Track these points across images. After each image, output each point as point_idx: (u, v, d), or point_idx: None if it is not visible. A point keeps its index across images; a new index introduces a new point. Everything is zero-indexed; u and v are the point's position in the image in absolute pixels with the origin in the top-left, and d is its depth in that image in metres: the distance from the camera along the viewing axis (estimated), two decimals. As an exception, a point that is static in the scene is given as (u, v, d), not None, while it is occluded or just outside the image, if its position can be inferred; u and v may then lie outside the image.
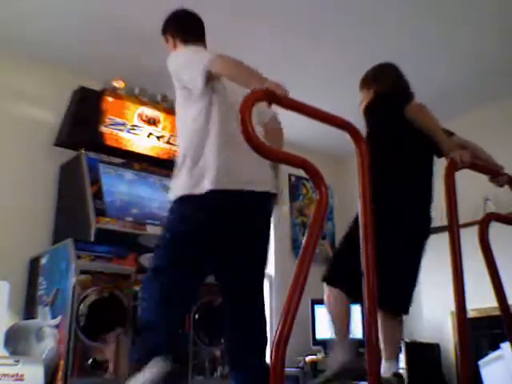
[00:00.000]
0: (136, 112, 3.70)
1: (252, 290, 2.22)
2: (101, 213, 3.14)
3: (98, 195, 3.24)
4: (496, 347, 3.08)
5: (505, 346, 2.92)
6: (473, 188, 3.16)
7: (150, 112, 3.76)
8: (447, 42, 3.61)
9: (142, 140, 3.72)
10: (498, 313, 2.22)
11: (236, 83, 1.96)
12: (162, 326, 2.02)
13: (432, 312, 4.29)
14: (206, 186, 2.02)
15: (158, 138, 3.79)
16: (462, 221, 2.07)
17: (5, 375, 2.28)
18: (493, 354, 3.12)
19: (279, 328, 1.41)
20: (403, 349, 3.85)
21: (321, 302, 4.43)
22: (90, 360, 2.82)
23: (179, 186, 2.11)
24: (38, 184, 3.60)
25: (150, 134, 3.75)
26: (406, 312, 2.56)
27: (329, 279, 2.47)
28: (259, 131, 2.10)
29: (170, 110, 3.85)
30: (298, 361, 4.04)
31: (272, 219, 2.31)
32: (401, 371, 3.20)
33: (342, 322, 2.42)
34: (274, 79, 1.74)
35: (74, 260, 2.91)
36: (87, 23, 3.42)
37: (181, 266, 2.05)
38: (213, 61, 1.99)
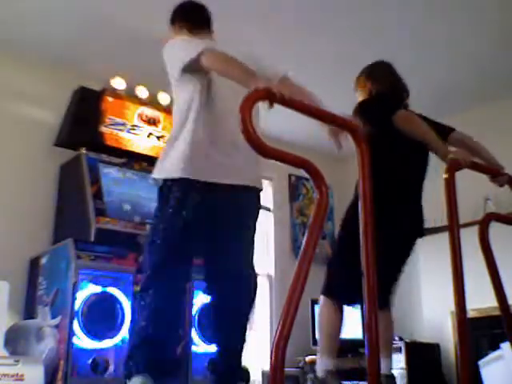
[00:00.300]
0: (136, 112, 3.70)
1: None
2: (101, 213, 3.14)
3: (98, 195, 3.24)
4: (496, 347, 3.08)
5: (505, 346, 2.91)
6: (473, 188, 3.16)
7: (150, 112, 3.76)
8: (447, 42, 3.61)
9: (141, 140, 3.72)
10: (498, 313, 2.22)
11: (227, 78, 1.94)
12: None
13: (432, 312, 4.29)
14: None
15: (158, 138, 3.79)
16: (462, 221, 2.06)
17: (5, 375, 2.27)
18: (493, 354, 3.11)
19: (279, 328, 1.41)
20: (403, 349, 3.86)
21: (321, 302, 4.42)
22: (90, 360, 2.82)
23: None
24: (38, 184, 3.60)
25: (150, 134, 3.75)
26: (389, 308, 2.55)
27: (324, 291, 2.46)
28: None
29: (170, 110, 3.84)
30: (298, 361, 4.04)
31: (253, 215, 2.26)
32: (400, 371, 3.22)
33: (334, 332, 2.41)
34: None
35: (74, 260, 2.91)
36: (87, 23, 3.42)
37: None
38: (202, 54, 1.98)
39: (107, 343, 2.91)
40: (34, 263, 3.34)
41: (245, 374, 2.18)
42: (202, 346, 3.23)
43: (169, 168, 2.06)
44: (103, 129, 3.54)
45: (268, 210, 4.94)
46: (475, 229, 2.28)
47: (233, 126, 1.75)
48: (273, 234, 4.95)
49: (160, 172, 2.10)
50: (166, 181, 2.07)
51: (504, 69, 3.91)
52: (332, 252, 2.70)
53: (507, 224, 2.44)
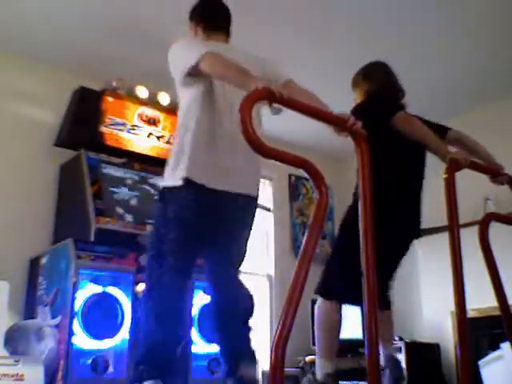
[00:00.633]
0: (136, 112, 3.70)
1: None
2: (101, 213, 3.14)
3: (98, 195, 3.24)
4: (496, 347, 3.08)
5: (505, 346, 2.91)
6: (473, 188, 3.16)
7: (150, 112, 3.76)
8: (447, 42, 3.61)
9: (141, 140, 3.72)
10: (498, 313, 2.22)
11: (225, 82, 1.97)
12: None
13: (432, 312, 4.29)
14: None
15: (158, 138, 3.79)
16: (462, 221, 2.07)
17: (5, 375, 2.27)
18: (493, 354, 3.11)
19: (279, 328, 1.41)
20: (403, 349, 3.86)
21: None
22: (90, 360, 2.82)
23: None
24: (38, 184, 3.60)
25: (150, 133, 3.75)
26: (388, 308, 2.56)
27: (323, 292, 2.46)
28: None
29: (170, 110, 3.85)
30: (298, 361, 4.04)
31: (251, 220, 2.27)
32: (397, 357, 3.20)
33: (334, 333, 2.40)
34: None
35: (74, 260, 2.91)
36: (87, 23, 3.42)
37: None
38: (201, 59, 1.98)
39: (107, 343, 2.91)
40: (34, 263, 3.34)
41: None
42: (201, 346, 3.23)
43: (174, 174, 2.09)
44: (103, 129, 3.54)
45: (268, 209, 4.94)
46: (475, 229, 2.28)
47: (235, 127, 1.75)
48: (273, 234, 4.95)
49: (168, 179, 2.13)
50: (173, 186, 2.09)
51: (504, 69, 3.91)
52: (331, 252, 2.70)
53: (507, 224, 2.44)
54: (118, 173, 3.49)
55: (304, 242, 1.53)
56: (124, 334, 2.95)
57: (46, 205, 3.58)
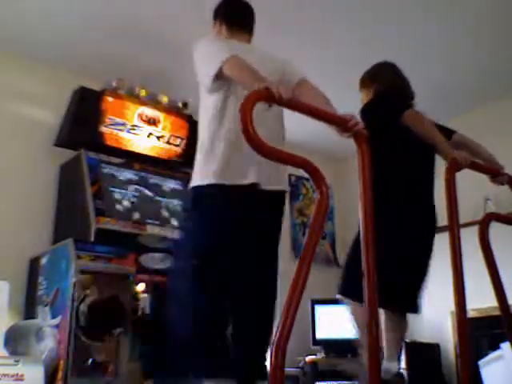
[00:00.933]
0: (136, 112, 3.70)
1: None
2: (101, 213, 3.14)
3: (98, 195, 3.24)
4: (496, 347, 3.08)
5: (505, 346, 2.92)
6: (473, 188, 3.16)
7: (150, 112, 3.76)
8: (447, 42, 3.61)
9: (142, 140, 3.72)
10: (498, 313, 2.22)
11: (241, 86, 2.00)
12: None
13: (432, 312, 4.29)
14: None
15: (158, 138, 3.79)
16: (462, 221, 2.07)
17: (5, 375, 2.27)
18: (493, 354, 3.12)
19: (279, 328, 1.41)
20: (403, 349, 3.85)
21: (321, 302, 4.46)
22: (90, 360, 2.82)
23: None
24: (38, 184, 3.60)
25: (150, 133, 3.75)
26: (415, 311, 2.55)
27: (344, 291, 2.47)
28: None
29: (170, 110, 3.85)
30: (298, 361, 4.04)
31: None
32: (401, 371, 3.21)
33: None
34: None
35: (74, 260, 2.91)
36: (87, 23, 3.42)
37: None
38: (224, 62, 2.03)
39: (107, 343, 2.90)
40: (34, 263, 3.34)
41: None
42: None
43: (206, 175, 2.10)
44: (103, 129, 3.54)
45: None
46: (475, 229, 2.28)
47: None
48: (273, 234, 4.95)
49: (198, 180, 2.13)
50: (200, 187, 2.10)
51: (504, 69, 3.91)
52: (349, 253, 2.70)
53: (507, 224, 2.45)
54: (117, 173, 3.49)
55: (304, 242, 1.53)
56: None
57: (46, 205, 3.58)
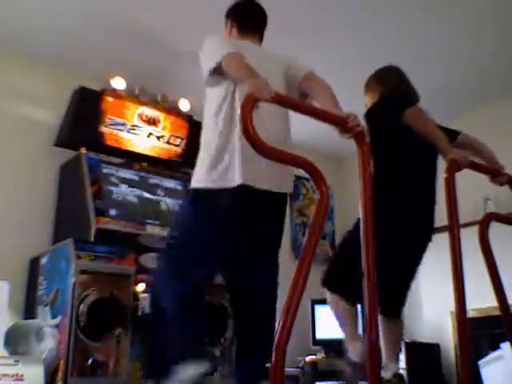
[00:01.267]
0: (136, 112, 3.70)
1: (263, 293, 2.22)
2: (101, 213, 3.14)
3: (98, 195, 3.24)
4: (496, 347, 3.08)
5: (505, 346, 2.91)
6: (473, 188, 3.16)
7: (150, 112, 3.76)
8: (447, 42, 3.61)
9: (142, 140, 3.72)
10: (498, 313, 2.22)
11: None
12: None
13: (432, 312, 4.30)
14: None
15: (158, 138, 3.79)
16: (462, 221, 2.07)
17: (5, 375, 2.27)
18: (493, 354, 3.12)
19: (279, 328, 1.41)
20: (403, 349, 3.85)
21: (321, 302, 4.45)
22: (90, 360, 2.82)
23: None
24: (38, 184, 3.60)
25: (150, 133, 3.75)
26: (398, 315, 2.56)
27: (328, 284, 2.47)
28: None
29: (170, 110, 3.85)
30: (298, 361, 4.04)
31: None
32: (401, 371, 3.21)
33: (350, 320, 2.43)
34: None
35: (74, 260, 2.91)
36: (87, 23, 3.42)
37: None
38: (224, 57, 2.03)
39: (107, 343, 2.90)
40: (34, 263, 3.34)
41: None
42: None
43: (206, 177, 2.09)
44: (103, 129, 3.54)
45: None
46: (475, 229, 2.28)
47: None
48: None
49: (199, 181, 2.12)
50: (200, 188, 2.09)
51: (504, 69, 3.91)
52: (338, 246, 2.71)
53: (507, 224, 2.45)
54: (117, 173, 3.49)
55: (304, 241, 1.53)
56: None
57: (46, 205, 3.58)
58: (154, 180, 3.64)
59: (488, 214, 2.48)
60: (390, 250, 2.14)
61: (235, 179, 2.02)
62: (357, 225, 2.48)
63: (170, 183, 3.70)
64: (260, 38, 2.38)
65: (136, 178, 3.57)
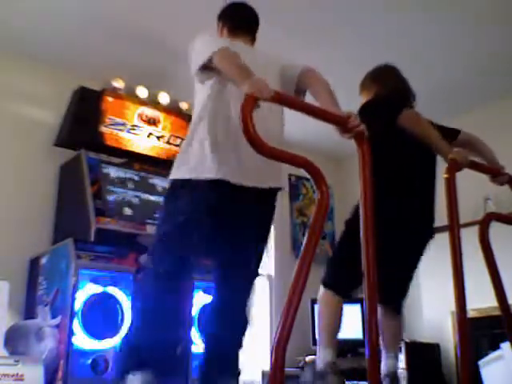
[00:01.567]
0: (136, 112, 3.70)
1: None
2: (101, 213, 3.14)
3: (98, 195, 3.24)
4: (496, 347, 3.07)
5: (505, 346, 2.91)
6: (473, 188, 3.16)
7: (150, 112, 3.76)
8: (447, 42, 3.61)
9: (142, 140, 3.72)
10: (498, 313, 2.22)
11: (229, 78, 1.97)
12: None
13: (432, 312, 4.29)
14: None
15: (158, 138, 3.79)
16: (462, 221, 2.07)
17: (5, 375, 2.27)
18: (493, 354, 3.11)
19: (279, 328, 1.41)
20: (403, 349, 3.86)
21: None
22: (90, 360, 2.82)
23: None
24: (38, 184, 3.60)
25: (150, 133, 3.75)
26: (398, 311, 2.56)
27: (327, 282, 2.47)
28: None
29: (170, 110, 3.85)
30: (298, 361, 4.04)
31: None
32: (400, 371, 3.22)
33: (335, 322, 2.41)
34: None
35: (74, 260, 2.91)
36: (87, 23, 3.42)
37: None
38: (215, 53, 2.00)
39: (107, 343, 2.91)
40: (34, 263, 3.34)
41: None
42: (201, 346, 3.22)
43: (188, 168, 2.03)
44: (103, 129, 3.54)
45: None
46: (475, 229, 2.28)
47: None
48: (273, 234, 4.95)
49: (177, 173, 2.08)
50: (182, 180, 2.04)
51: (504, 69, 3.91)
52: (338, 245, 2.70)
53: (507, 224, 2.44)
54: (118, 173, 3.49)
55: (304, 242, 1.53)
56: (124, 334, 2.94)
57: (45, 205, 3.58)
58: (153, 180, 3.64)
59: (488, 214, 2.48)
60: (390, 247, 2.14)
61: (205, 172, 1.99)
62: (350, 222, 2.49)
63: (170, 183, 3.70)
64: (252, 40, 2.37)
65: (136, 177, 3.57)
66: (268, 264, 4.84)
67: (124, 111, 3.64)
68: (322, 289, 2.46)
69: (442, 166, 2.31)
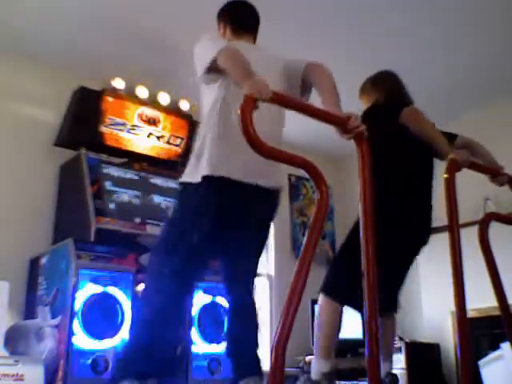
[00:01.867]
0: (136, 112, 3.70)
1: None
2: (101, 213, 3.14)
3: (98, 195, 3.24)
4: (496, 347, 3.08)
5: (505, 346, 2.91)
6: (473, 188, 3.16)
7: (150, 112, 3.76)
8: (447, 42, 3.61)
9: (142, 140, 3.72)
10: (498, 313, 2.22)
11: (232, 78, 1.97)
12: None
13: (432, 312, 4.30)
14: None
15: (158, 138, 3.79)
16: (462, 221, 2.07)
17: (5, 375, 2.28)
18: (493, 354, 3.11)
19: (279, 328, 1.41)
20: (403, 349, 3.86)
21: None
22: (90, 360, 2.82)
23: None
24: (38, 184, 3.60)
25: (150, 133, 3.75)
26: (390, 310, 2.56)
27: (326, 291, 2.46)
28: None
29: (170, 110, 3.85)
30: (298, 361, 4.04)
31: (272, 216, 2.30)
32: (400, 371, 3.23)
33: (334, 332, 2.40)
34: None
35: (74, 260, 2.91)
36: (87, 23, 3.41)
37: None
38: (219, 52, 2.00)
39: (107, 343, 2.90)
40: (34, 263, 3.34)
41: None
42: (201, 346, 3.23)
43: (200, 168, 2.04)
44: (103, 129, 3.54)
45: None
46: (475, 229, 2.28)
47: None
48: (273, 234, 4.95)
49: (189, 175, 2.09)
50: (193, 182, 2.05)
51: (504, 69, 3.91)
52: (338, 252, 2.69)
53: (507, 224, 2.44)
54: (117, 173, 3.49)
55: (304, 242, 1.53)
56: (124, 334, 2.95)
57: (46, 205, 3.58)
58: (153, 180, 3.64)
59: (488, 214, 2.48)
60: (389, 246, 2.14)
61: (217, 170, 2.00)
62: (354, 229, 2.49)
63: (170, 183, 3.70)
64: (254, 38, 2.36)
65: (136, 177, 3.57)
66: (268, 264, 4.84)
67: (124, 111, 3.64)
68: (321, 296, 2.46)
69: (441, 166, 2.31)
